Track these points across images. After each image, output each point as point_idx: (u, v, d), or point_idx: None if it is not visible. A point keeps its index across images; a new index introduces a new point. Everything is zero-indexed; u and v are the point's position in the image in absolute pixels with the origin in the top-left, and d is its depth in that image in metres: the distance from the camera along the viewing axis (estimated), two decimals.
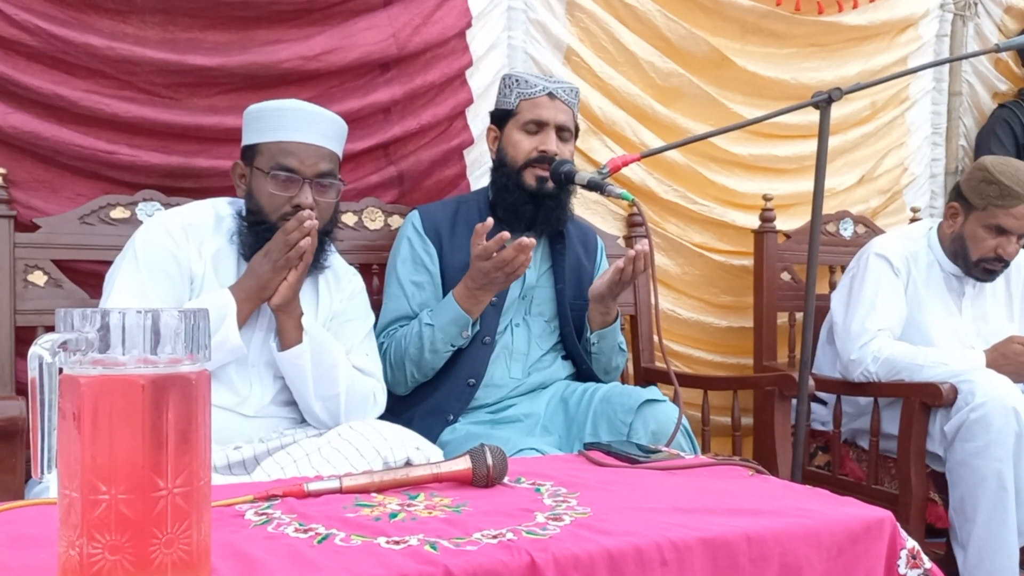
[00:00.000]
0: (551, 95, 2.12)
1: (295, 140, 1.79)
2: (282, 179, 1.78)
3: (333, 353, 1.81)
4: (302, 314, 1.78)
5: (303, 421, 1.88)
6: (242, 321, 1.74)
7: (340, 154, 1.90)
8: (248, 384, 1.79)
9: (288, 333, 1.77)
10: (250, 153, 1.83)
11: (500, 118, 2.19)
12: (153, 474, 0.82)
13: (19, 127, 2.01)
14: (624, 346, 2.31)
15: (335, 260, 1.99)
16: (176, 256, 1.76)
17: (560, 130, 2.12)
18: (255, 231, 1.79)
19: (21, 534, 1.02)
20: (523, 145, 2.12)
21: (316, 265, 1.86)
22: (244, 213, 1.83)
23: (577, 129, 2.22)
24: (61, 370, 0.83)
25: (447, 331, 1.99)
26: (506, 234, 1.86)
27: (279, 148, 1.79)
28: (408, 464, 1.59)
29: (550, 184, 2.10)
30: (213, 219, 1.84)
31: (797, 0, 3.02)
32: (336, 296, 1.95)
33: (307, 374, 1.78)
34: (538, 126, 2.12)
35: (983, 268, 2.49)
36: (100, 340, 0.83)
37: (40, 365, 0.79)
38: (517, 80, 2.16)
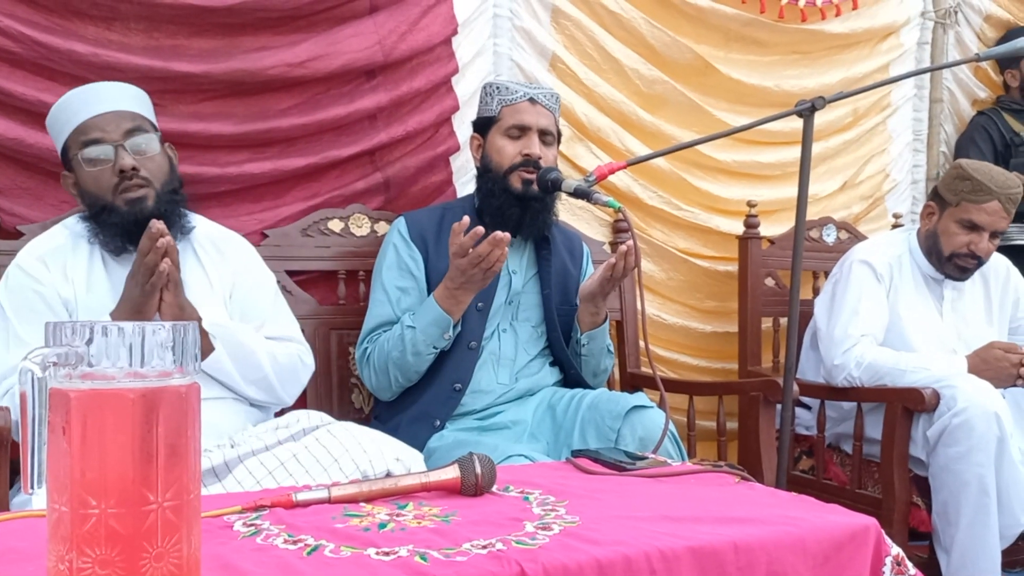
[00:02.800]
0: (532, 100, 2.14)
1: (88, 116, 1.77)
2: (94, 155, 1.75)
3: (245, 341, 1.81)
4: (200, 319, 1.75)
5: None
6: None
7: (148, 115, 1.85)
8: None
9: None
10: (65, 155, 1.81)
11: (483, 126, 2.20)
12: (143, 488, 0.82)
13: (3, 134, 2.01)
14: (611, 348, 2.32)
15: (210, 229, 1.96)
16: (40, 292, 1.73)
17: (543, 134, 2.15)
18: (100, 221, 1.77)
19: (8, 548, 1.01)
20: (507, 150, 2.13)
21: (183, 230, 1.84)
22: (88, 213, 1.80)
23: (559, 134, 2.23)
24: (49, 384, 0.83)
25: (428, 333, 1.99)
26: (480, 229, 1.86)
27: (79, 131, 1.77)
28: (388, 476, 1.57)
29: (535, 187, 2.11)
30: (69, 238, 1.81)
31: (780, 8, 3.05)
32: (226, 268, 1.92)
33: (231, 372, 1.79)
34: (521, 131, 2.14)
35: (956, 264, 2.51)
36: (89, 354, 0.82)
37: (31, 379, 0.79)
38: (498, 87, 2.18)
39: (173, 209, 1.80)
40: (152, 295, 1.69)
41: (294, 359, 1.91)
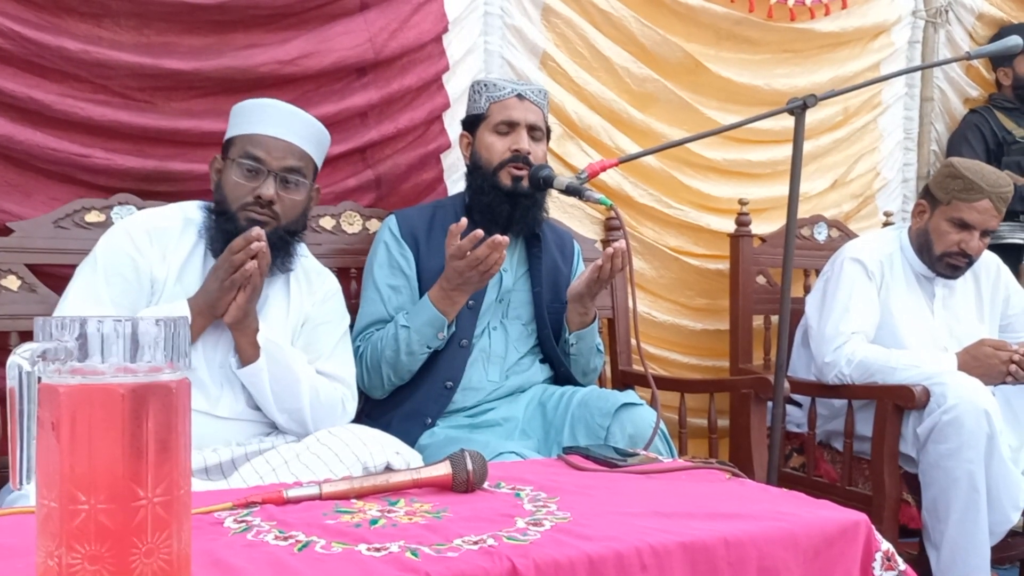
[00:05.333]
0: (520, 96, 2.15)
1: (266, 133, 1.81)
2: (247, 168, 1.79)
3: (294, 368, 1.80)
4: (257, 330, 1.77)
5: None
6: (196, 334, 1.73)
7: (316, 159, 1.90)
8: (219, 385, 1.78)
9: (243, 350, 1.77)
10: (226, 147, 1.86)
11: (471, 123, 2.21)
12: (133, 483, 0.82)
13: None
14: (601, 347, 2.32)
15: (308, 262, 1.99)
16: (135, 261, 1.75)
17: (531, 129, 2.15)
18: (217, 223, 1.80)
19: None
20: (496, 146, 2.13)
21: (283, 267, 1.86)
22: (211, 207, 1.84)
23: (549, 130, 2.23)
24: (39, 379, 0.83)
25: (423, 332, 2.00)
26: (480, 232, 1.87)
27: (249, 140, 1.81)
28: (388, 468, 1.58)
29: (525, 183, 2.11)
30: (181, 222, 1.84)
31: (770, 7, 3.05)
32: (308, 299, 1.94)
33: (266, 389, 1.78)
34: (509, 126, 2.14)
35: (947, 263, 2.52)
36: (79, 349, 0.82)
37: (19, 374, 0.79)
38: (486, 85, 2.18)
39: (283, 246, 1.83)
40: (229, 291, 1.71)
41: (335, 401, 1.89)
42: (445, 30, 2.52)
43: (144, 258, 1.76)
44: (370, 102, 2.40)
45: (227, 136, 1.87)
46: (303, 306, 1.93)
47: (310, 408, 1.82)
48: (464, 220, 1.90)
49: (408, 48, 2.43)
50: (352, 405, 1.94)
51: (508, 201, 2.12)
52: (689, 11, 2.94)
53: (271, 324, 1.83)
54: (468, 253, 1.88)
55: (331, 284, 2.02)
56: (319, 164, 1.93)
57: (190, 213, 1.86)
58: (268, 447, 1.71)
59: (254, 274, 1.70)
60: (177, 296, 1.76)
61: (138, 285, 1.75)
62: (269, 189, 1.78)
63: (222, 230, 1.78)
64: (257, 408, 1.83)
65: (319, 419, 1.83)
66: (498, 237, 1.87)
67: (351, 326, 2.08)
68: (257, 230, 1.70)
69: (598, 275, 2.03)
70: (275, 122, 1.82)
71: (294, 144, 1.83)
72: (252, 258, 1.69)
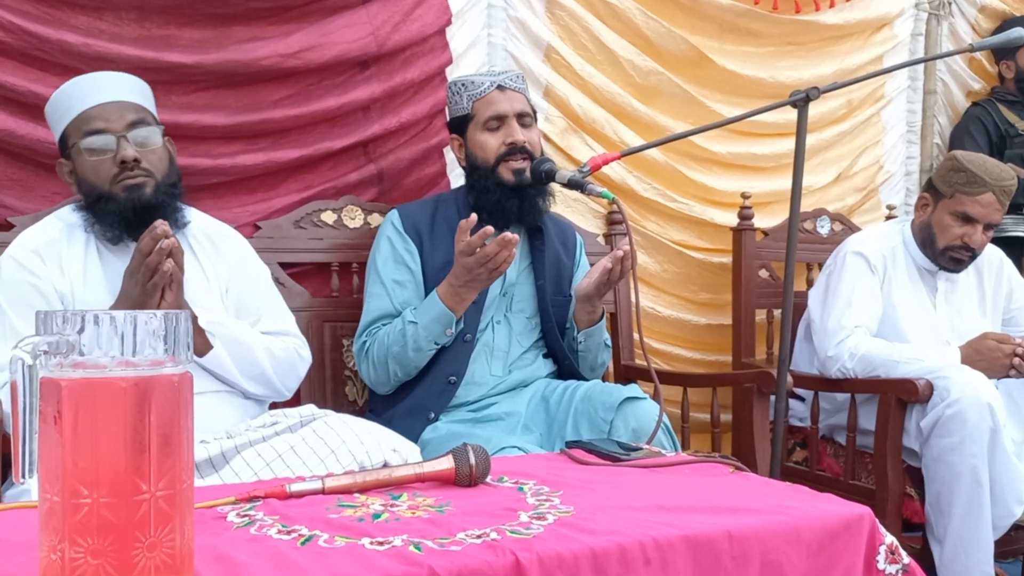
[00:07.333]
0: (500, 87, 2.14)
1: (91, 104, 1.76)
2: (96, 145, 1.74)
3: (244, 339, 1.82)
4: (196, 317, 1.75)
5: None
6: None
7: (149, 108, 1.84)
8: None
9: (194, 342, 1.75)
10: (64, 143, 1.80)
11: (458, 125, 2.19)
12: (135, 477, 0.82)
13: None
14: (609, 342, 2.32)
15: (206, 223, 1.95)
16: (36, 286, 1.72)
17: (520, 117, 2.14)
18: (96, 210, 1.76)
19: None
20: (490, 143, 2.13)
21: (179, 223, 1.83)
22: (84, 203, 1.79)
23: (535, 112, 2.23)
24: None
25: (431, 329, 1.99)
26: (490, 229, 1.86)
27: (81, 120, 1.76)
28: (386, 467, 1.57)
29: (528, 174, 2.11)
30: (63, 230, 1.79)
31: None
32: (220, 262, 1.92)
33: (231, 368, 1.80)
34: (499, 120, 2.13)
35: (950, 257, 2.52)
36: (81, 343, 0.82)
37: (21, 368, 0.78)
38: (463, 84, 2.16)
39: (170, 202, 1.80)
40: (153, 294, 1.66)
41: (291, 353, 1.93)
42: (448, 23, 2.51)
43: (42, 279, 1.73)
44: (372, 96, 2.39)
45: (57, 136, 1.82)
46: (219, 271, 1.91)
47: (272, 369, 1.86)
48: (474, 216, 1.89)
49: (411, 41, 2.42)
50: (306, 352, 1.99)
51: (515, 196, 2.12)
52: (694, 3, 2.93)
53: (195, 301, 1.80)
54: (477, 250, 1.88)
55: (239, 241, 2.00)
56: (155, 113, 1.87)
57: (68, 218, 1.81)
58: (259, 439, 1.69)
59: (175, 272, 1.66)
60: (89, 304, 1.72)
61: (49, 308, 1.71)
62: (128, 151, 1.73)
63: (105, 213, 1.75)
64: (217, 378, 1.83)
65: (282, 374, 1.89)
66: (508, 235, 1.86)
67: (352, 318, 2.07)
68: (162, 227, 1.64)
69: (608, 277, 2.03)
70: (91, 91, 1.77)
71: (123, 100, 1.78)
72: (168, 256, 1.64)
